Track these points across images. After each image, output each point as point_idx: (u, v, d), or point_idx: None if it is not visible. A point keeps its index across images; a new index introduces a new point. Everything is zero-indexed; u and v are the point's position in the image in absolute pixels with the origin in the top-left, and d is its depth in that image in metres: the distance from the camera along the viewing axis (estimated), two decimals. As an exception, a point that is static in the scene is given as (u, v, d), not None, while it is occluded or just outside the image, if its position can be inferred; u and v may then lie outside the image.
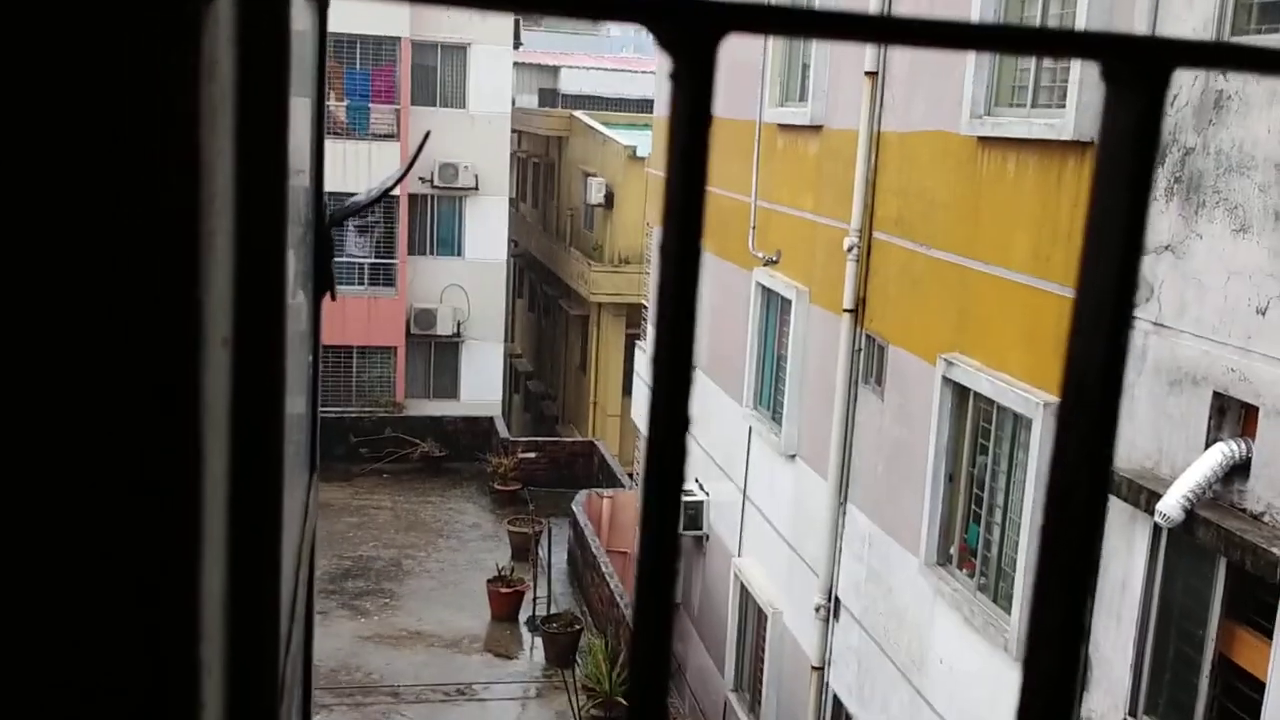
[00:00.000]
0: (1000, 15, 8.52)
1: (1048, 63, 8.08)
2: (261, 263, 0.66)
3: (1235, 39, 6.31)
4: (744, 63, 13.37)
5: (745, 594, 13.21)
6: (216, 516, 0.60)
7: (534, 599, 17.39)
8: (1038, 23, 8.15)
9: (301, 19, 1.18)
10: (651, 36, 0.40)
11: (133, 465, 0.50)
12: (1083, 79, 7.37)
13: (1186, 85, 6.54)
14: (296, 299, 1.15)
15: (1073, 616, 0.44)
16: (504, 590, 17.61)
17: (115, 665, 0.51)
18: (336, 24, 23.95)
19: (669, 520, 0.43)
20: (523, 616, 17.67)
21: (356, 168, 24.68)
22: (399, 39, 25.30)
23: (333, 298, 1.57)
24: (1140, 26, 6.85)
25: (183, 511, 0.51)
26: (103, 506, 0.49)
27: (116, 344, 0.48)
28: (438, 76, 26.32)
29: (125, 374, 0.48)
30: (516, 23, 27.19)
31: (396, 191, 25.17)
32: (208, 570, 0.54)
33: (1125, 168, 0.43)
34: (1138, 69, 0.42)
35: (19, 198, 0.46)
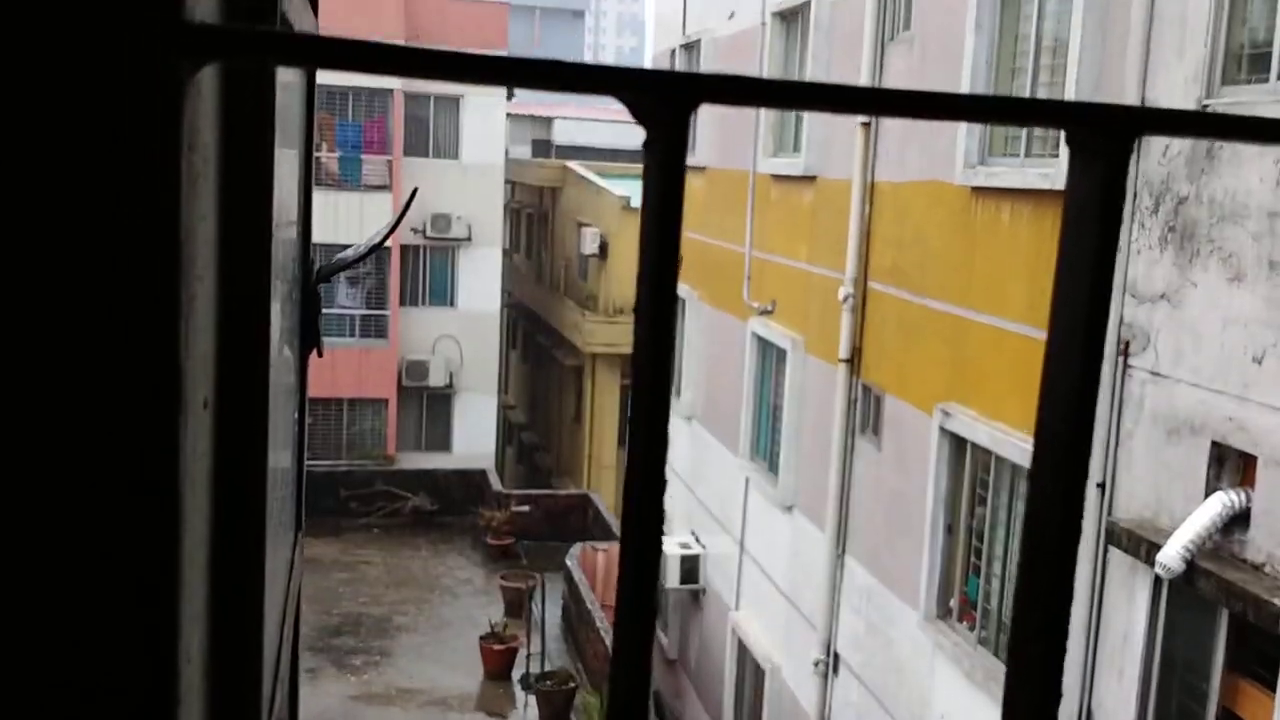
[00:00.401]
0: (993, 68, 8.59)
1: (1039, 113, 8.13)
2: (245, 324, 0.64)
3: (1226, 88, 6.35)
4: (737, 113, 13.47)
5: (743, 649, 13.06)
6: (197, 577, 0.57)
7: (527, 656, 17.18)
8: (1029, 74, 8.21)
9: (289, 73, 1.15)
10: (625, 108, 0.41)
11: (110, 527, 0.48)
12: (1075, 129, 7.40)
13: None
14: (282, 355, 1.12)
15: (1053, 650, 0.44)
16: (497, 647, 17.40)
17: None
18: (329, 76, 24.17)
19: (648, 578, 0.45)
20: (516, 674, 17.45)
21: (348, 219, 24.76)
22: (391, 91, 25.51)
23: (319, 354, 1.53)
24: (1131, 78, 6.90)
25: (160, 573, 0.50)
26: (78, 568, 0.47)
27: (95, 406, 0.46)
28: (430, 127, 26.50)
29: (105, 435, 0.47)
30: (510, 76, 27.43)
31: (388, 243, 25.23)
32: (187, 629, 0.51)
33: (1090, 232, 0.44)
34: (1100, 136, 0.43)
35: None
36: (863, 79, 10.29)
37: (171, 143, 0.46)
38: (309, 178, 1.54)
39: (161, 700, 0.51)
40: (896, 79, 9.99)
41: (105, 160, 0.46)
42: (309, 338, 1.44)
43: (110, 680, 0.50)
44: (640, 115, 0.39)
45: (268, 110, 0.69)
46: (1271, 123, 0.47)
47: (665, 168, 0.39)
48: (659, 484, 0.42)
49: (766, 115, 12.69)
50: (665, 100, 0.39)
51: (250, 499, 0.69)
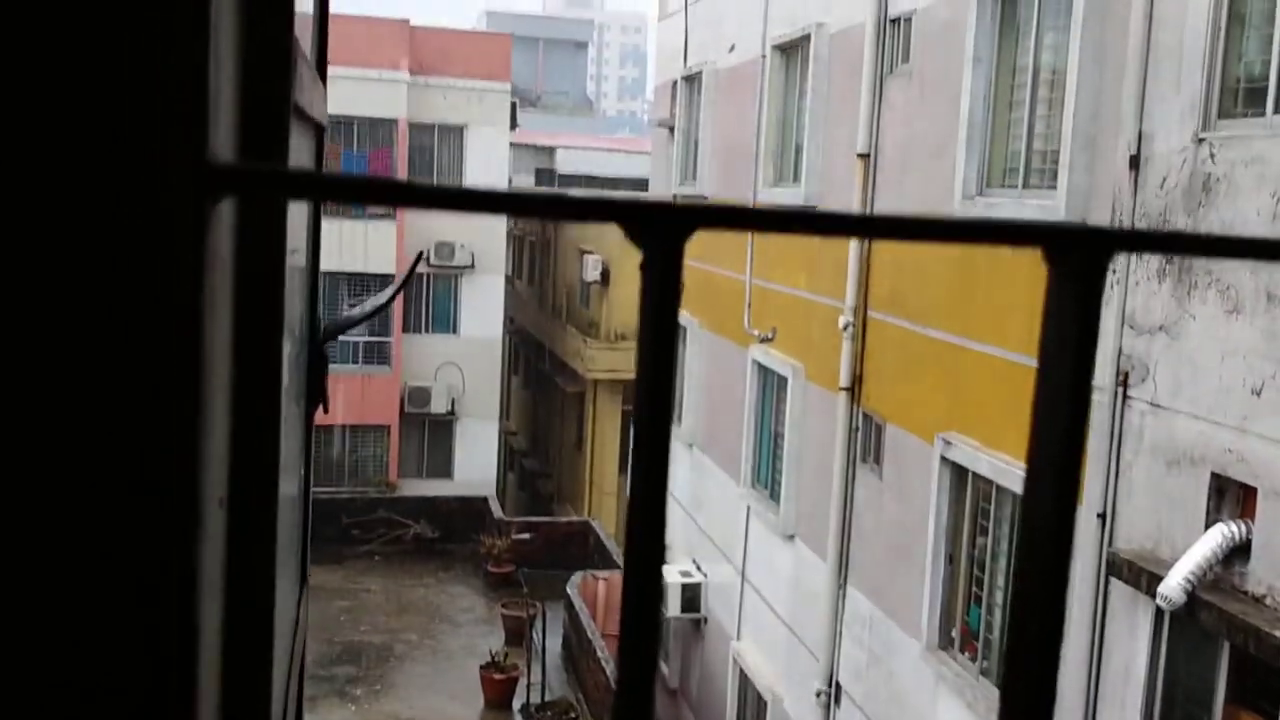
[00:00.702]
0: (990, 101, 8.65)
1: (1038, 144, 8.20)
2: (256, 423, 0.66)
3: (1222, 121, 6.40)
4: (738, 142, 13.56)
5: (744, 679, 13.01)
6: (209, 674, 0.59)
7: (528, 685, 17.11)
8: (1027, 106, 8.27)
9: (298, 150, 1.18)
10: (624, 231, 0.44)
11: (129, 629, 0.49)
12: (1072, 161, 7.46)
13: (1175, 167, 6.62)
14: (289, 418, 1.15)
15: (1046, 674, 0.46)
16: (497, 676, 17.33)
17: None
18: (334, 106, 24.25)
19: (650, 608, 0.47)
20: (516, 704, 17.36)
21: (353, 247, 24.84)
22: (396, 121, 25.64)
23: (325, 410, 1.56)
24: (1128, 110, 6.95)
25: (179, 683, 0.51)
26: (90, 693, 0.48)
27: (115, 515, 0.48)
28: (435, 157, 26.63)
29: (122, 542, 0.48)
30: (513, 105, 27.60)
31: (393, 271, 25.30)
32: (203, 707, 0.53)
33: (1068, 346, 0.46)
34: (1077, 255, 0.46)
35: (31, 371, 0.48)
36: (862, 112, 10.36)
37: (194, 271, 0.49)
38: (318, 232, 1.57)
39: None
40: (895, 112, 10.06)
41: (129, 288, 0.48)
42: (314, 396, 1.46)
43: None
44: (637, 239, 0.42)
45: (279, 242, 0.72)
46: (1255, 242, 0.49)
47: (661, 288, 0.42)
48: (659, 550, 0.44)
49: (766, 144, 12.76)
50: (661, 229, 0.41)
51: (259, 595, 0.71)
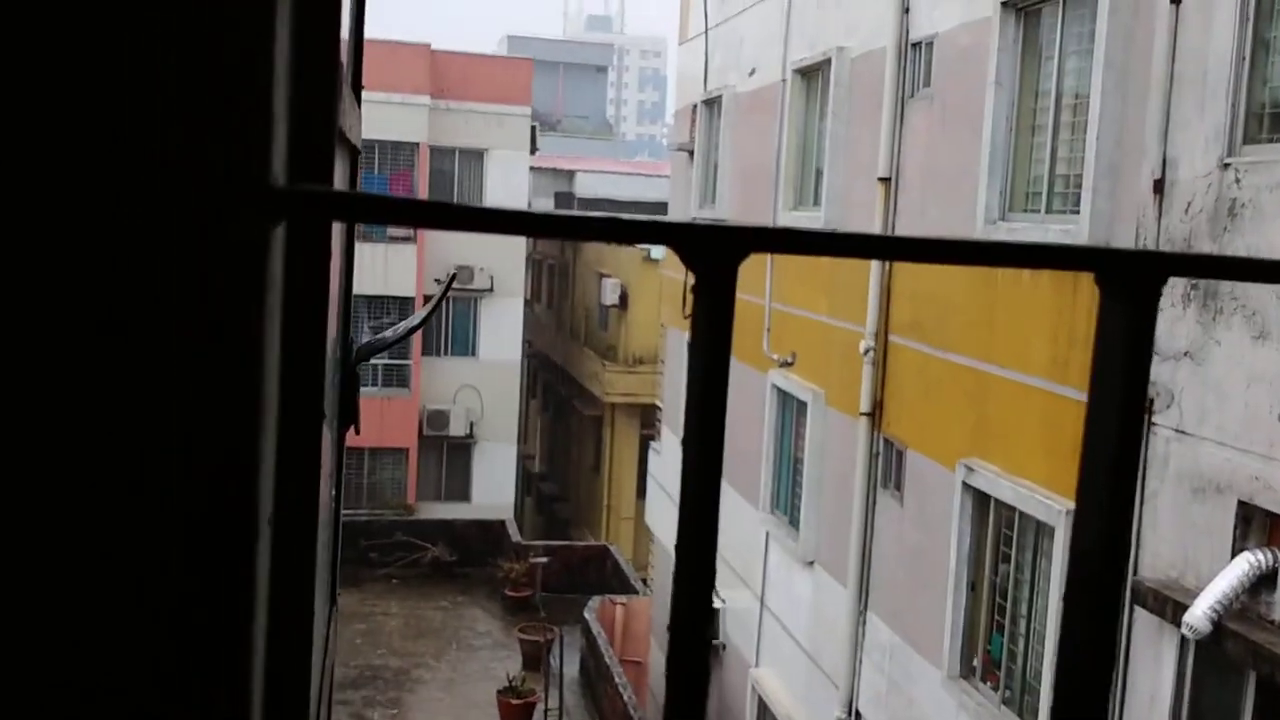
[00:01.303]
0: (1012, 125, 8.64)
1: (1061, 169, 8.17)
2: (299, 443, 0.66)
3: (1247, 147, 6.37)
4: (758, 166, 13.57)
5: (763, 706, 12.92)
6: (258, 690, 0.59)
7: (545, 710, 17.03)
8: (1050, 131, 8.25)
9: (338, 174, 1.18)
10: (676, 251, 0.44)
11: (188, 647, 0.49)
12: (1095, 185, 7.43)
13: (1200, 192, 6.58)
14: (328, 438, 1.14)
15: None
16: (514, 701, 17.25)
17: None
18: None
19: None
20: (534, 727, 17.28)
21: (373, 270, 24.95)
22: (417, 144, 25.80)
23: (356, 432, 1.55)
24: (1151, 135, 6.92)
25: (231, 692, 0.50)
26: (159, 690, 0.48)
27: (173, 533, 0.48)
28: (455, 180, 26.77)
29: (185, 561, 0.49)
30: (533, 128, 27.74)
31: (412, 293, 25.40)
32: None
33: (1119, 369, 0.45)
34: (1130, 279, 0.45)
35: (100, 396, 0.49)
36: (883, 136, 10.36)
37: (255, 292, 0.49)
38: (350, 255, 1.57)
39: None
40: (916, 136, 10.06)
41: (193, 312, 0.49)
42: (347, 417, 1.46)
43: None
44: (691, 262, 0.41)
45: (326, 239, 0.72)
46: None
47: (713, 312, 0.41)
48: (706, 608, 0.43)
49: (786, 167, 12.78)
50: (715, 251, 0.41)
51: (301, 614, 0.71)
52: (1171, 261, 0.45)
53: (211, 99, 0.47)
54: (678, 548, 0.46)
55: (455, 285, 26.33)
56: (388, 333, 2.19)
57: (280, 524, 0.62)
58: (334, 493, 1.54)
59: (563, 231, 0.41)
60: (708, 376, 0.42)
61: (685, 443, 0.44)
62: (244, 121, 0.48)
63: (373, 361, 26.12)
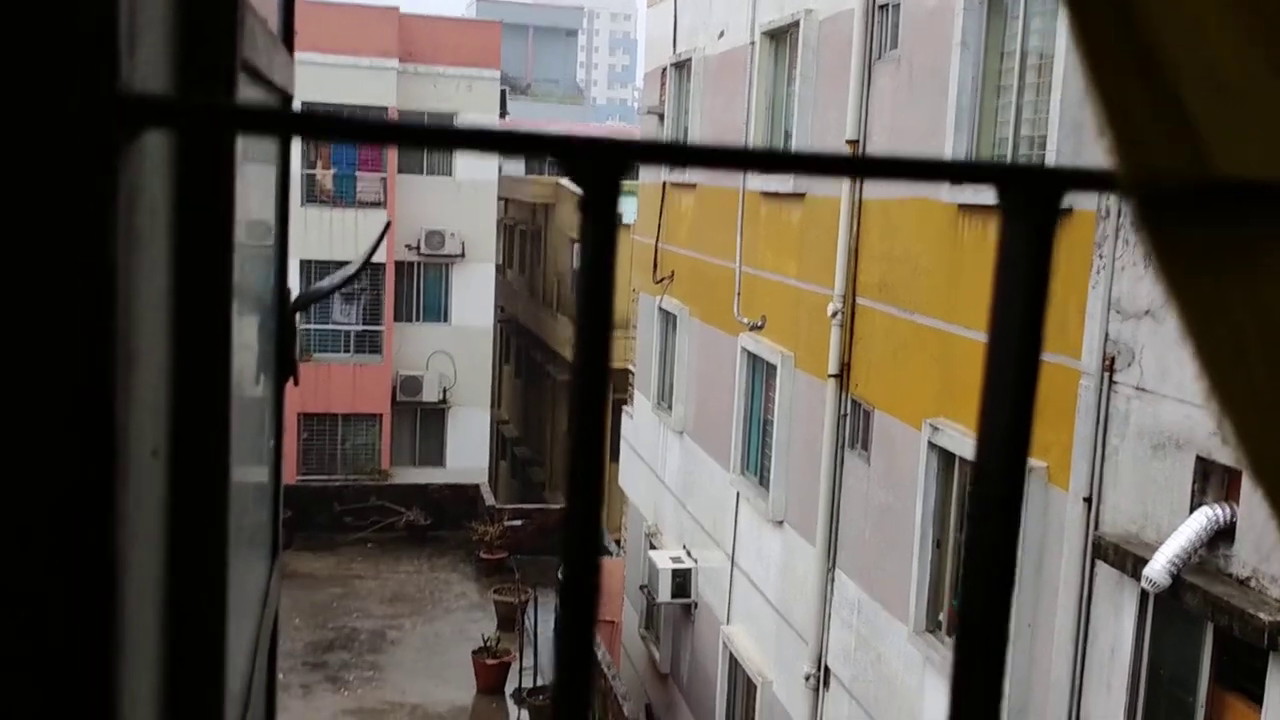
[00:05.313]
0: (978, 86, 8.66)
1: (1025, 130, 8.21)
2: (200, 376, 0.66)
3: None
4: (728, 130, 13.54)
5: (734, 663, 13.07)
6: (145, 619, 0.59)
7: (521, 670, 17.17)
8: (1015, 91, 8.28)
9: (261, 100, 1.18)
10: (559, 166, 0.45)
11: (45, 580, 0.49)
12: (1059, 146, 7.48)
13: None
14: (258, 385, 1.15)
15: (995, 639, 0.47)
16: (490, 661, 17.38)
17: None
18: (323, 94, 24.23)
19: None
20: (509, 688, 17.42)
21: (343, 235, 24.79)
22: (385, 109, 25.56)
23: (295, 383, 1.57)
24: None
25: (99, 618, 0.51)
26: (15, 616, 0.48)
27: (30, 453, 0.48)
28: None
29: (38, 491, 0.48)
30: (503, 93, 27.52)
31: (383, 260, 25.26)
32: (133, 683, 0.53)
33: (1020, 286, 0.46)
34: (1029, 194, 0.45)
35: None
36: (850, 98, 10.37)
37: (105, 206, 0.48)
38: (286, 200, 1.58)
39: None
40: (884, 97, 10.07)
41: (40, 224, 0.48)
42: (285, 366, 1.47)
43: None
44: (576, 177, 0.43)
45: (226, 180, 0.72)
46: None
47: (598, 224, 0.43)
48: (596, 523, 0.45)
49: (756, 131, 12.76)
50: (597, 165, 0.42)
51: (210, 545, 0.72)
52: (1069, 177, 0.47)
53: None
54: (569, 456, 0.46)
55: (426, 251, 26.19)
56: (324, 282, 2.20)
57: (180, 460, 0.63)
58: (273, 443, 1.56)
59: (440, 143, 0.42)
60: (594, 289, 0.43)
61: (574, 359, 0.45)
62: (83, 21, 0.47)
63: (344, 328, 26.00)
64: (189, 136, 0.63)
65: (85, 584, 0.50)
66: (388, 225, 3.23)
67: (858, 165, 0.49)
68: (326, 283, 2.19)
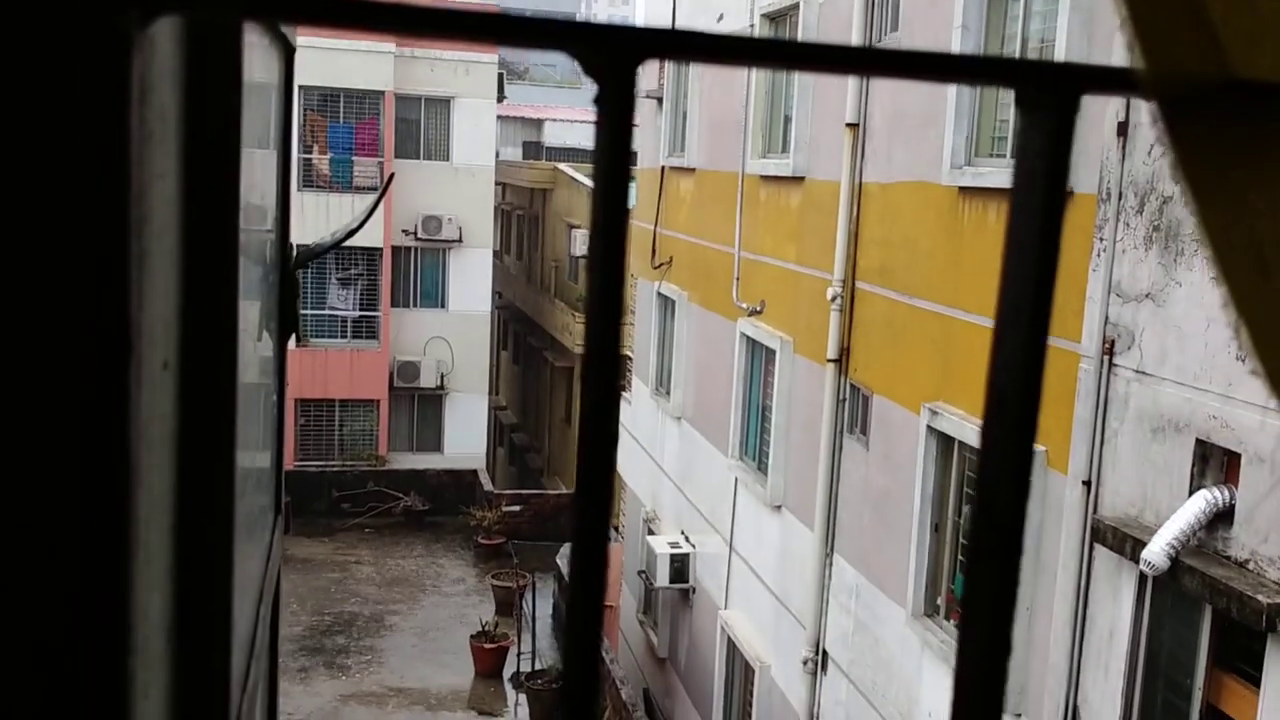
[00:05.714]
0: (977, 89, 8.62)
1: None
2: (211, 287, 0.65)
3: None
4: (727, 115, 13.51)
5: (732, 647, 13.09)
6: (158, 535, 0.58)
7: (519, 655, 17.19)
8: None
9: (265, 70, 1.17)
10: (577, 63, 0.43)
11: (58, 485, 0.48)
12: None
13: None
14: (261, 340, 1.14)
15: (1000, 628, 0.46)
16: (488, 646, 17.40)
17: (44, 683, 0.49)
18: (320, 78, 24.18)
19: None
20: (507, 673, 17.45)
21: (341, 220, 24.71)
22: (383, 93, 25.49)
23: (299, 341, 1.55)
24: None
25: (114, 530, 0.50)
26: (28, 528, 0.47)
27: (42, 360, 0.47)
28: (421, 130, 26.49)
29: (53, 389, 0.47)
30: (500, 76, 27.43)
31: (380, 245, 25.22)
32: (145, 590, 0.52)
33: (1039, 189, 0.45)
34: (1048, 93, 0.44)
35: None
36: (850, 82, 10.33)
37: (119, 96, 0.47)
38: (287, 166, 1.56)
39: (113, 654, 0.50)
40: (884, 82, 10.02)
41: (48, 114, 0.47)
42: (288, 321, 1.46)
43: (62, 636, 0.48)
44: (590, 70, 0.41)
45: (234, 72, 0.70)
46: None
47: (614, 119, 0.41)
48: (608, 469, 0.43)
49: (755, 116, 12.72)
50: (613, 55, 0.41)
51: (219, 456, 0.71)
52: (1089, 73, 0.45)
53: None
54: (582, 382, 0.44)
55: (423, 236, 26.13)
56: (326, 237, 2.18)
57: (190, 374, 0.62)
58: (276, 399, 1.54)
59: (443, 30, 0.41)
60: (610, 189, 0.41)
61: (588, 263, 0.43)
62: None
63: (342, 314, 25.97)
64: (206, 36, 0.61)
65: (100, 487, 0.48)
66: (390, 177, 3.20)
67: (870, 57, 0.47)
68: (328, 237, 2.17)
